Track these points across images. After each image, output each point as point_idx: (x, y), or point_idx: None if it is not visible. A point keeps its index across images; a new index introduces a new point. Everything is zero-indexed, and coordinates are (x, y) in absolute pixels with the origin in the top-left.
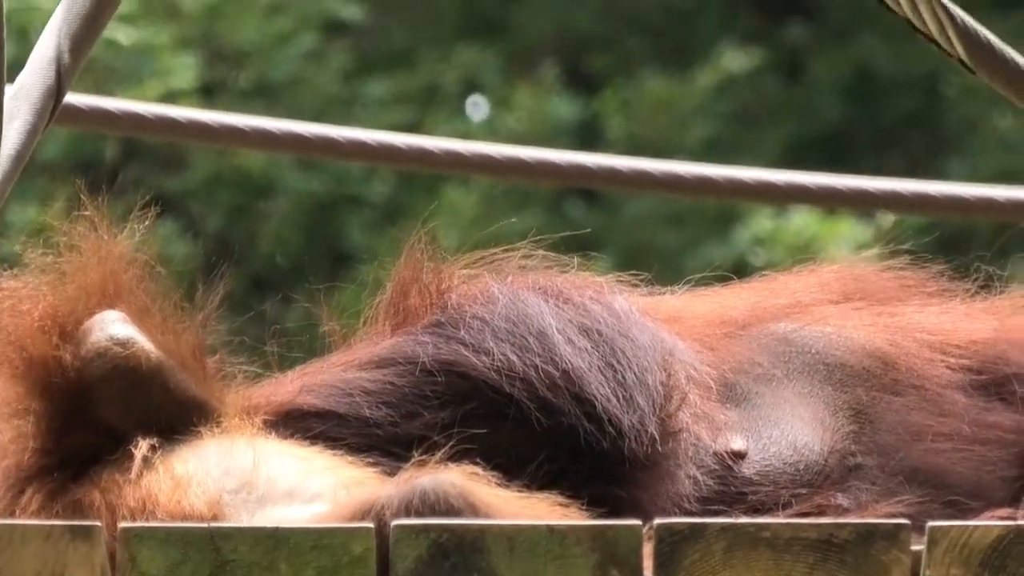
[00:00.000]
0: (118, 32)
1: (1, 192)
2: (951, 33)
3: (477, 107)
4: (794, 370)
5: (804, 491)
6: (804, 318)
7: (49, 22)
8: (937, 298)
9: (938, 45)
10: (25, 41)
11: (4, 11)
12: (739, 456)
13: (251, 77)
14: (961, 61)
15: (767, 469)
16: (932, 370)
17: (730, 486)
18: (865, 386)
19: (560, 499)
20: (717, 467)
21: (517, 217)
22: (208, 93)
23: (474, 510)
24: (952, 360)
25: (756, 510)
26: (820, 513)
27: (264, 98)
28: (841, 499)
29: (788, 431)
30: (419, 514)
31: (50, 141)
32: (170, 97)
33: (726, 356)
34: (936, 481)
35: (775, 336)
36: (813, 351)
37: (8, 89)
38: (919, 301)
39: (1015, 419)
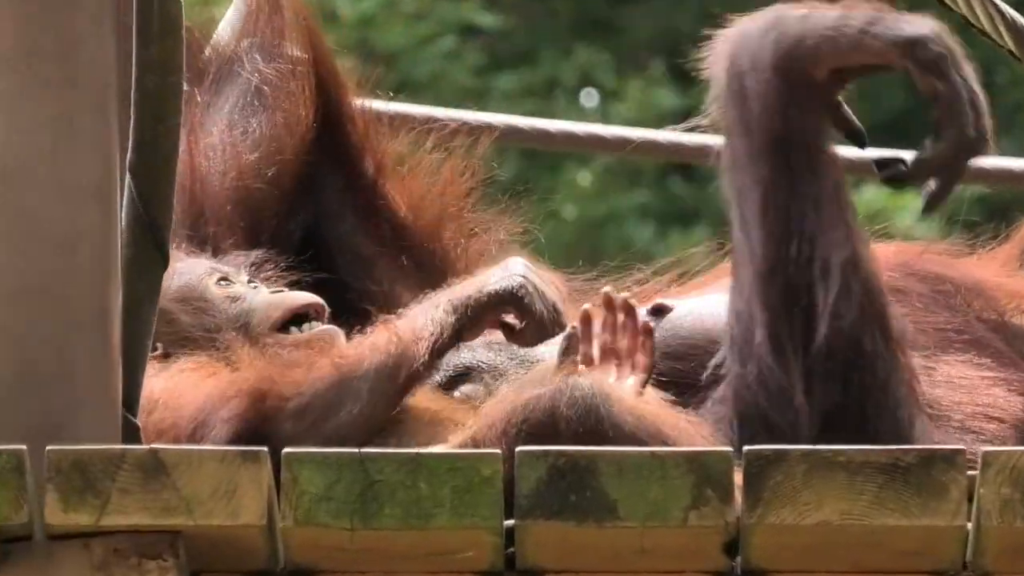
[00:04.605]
0: None
1: None
2: (1001, 27)
3: (590, 96)
4: None
5: None
6: None
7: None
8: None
9: (990, 38)
10: None
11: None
12: None
13: (398, 75)
14: (1010, 52)
15: None
16: None
17: None
18: None
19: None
20: None
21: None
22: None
23: (621, 410)
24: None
25: None
26: None
27: (408, 92)
28: None
29: None
30: (568, 411)
31: None
32: None
33: None
34: None
35: None
36: None
37: None
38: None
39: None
